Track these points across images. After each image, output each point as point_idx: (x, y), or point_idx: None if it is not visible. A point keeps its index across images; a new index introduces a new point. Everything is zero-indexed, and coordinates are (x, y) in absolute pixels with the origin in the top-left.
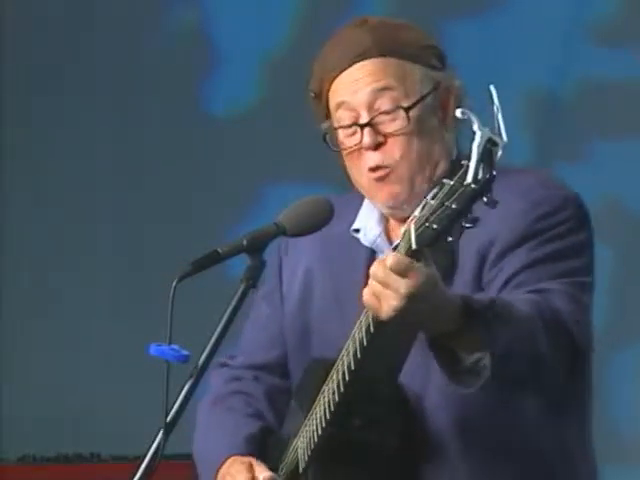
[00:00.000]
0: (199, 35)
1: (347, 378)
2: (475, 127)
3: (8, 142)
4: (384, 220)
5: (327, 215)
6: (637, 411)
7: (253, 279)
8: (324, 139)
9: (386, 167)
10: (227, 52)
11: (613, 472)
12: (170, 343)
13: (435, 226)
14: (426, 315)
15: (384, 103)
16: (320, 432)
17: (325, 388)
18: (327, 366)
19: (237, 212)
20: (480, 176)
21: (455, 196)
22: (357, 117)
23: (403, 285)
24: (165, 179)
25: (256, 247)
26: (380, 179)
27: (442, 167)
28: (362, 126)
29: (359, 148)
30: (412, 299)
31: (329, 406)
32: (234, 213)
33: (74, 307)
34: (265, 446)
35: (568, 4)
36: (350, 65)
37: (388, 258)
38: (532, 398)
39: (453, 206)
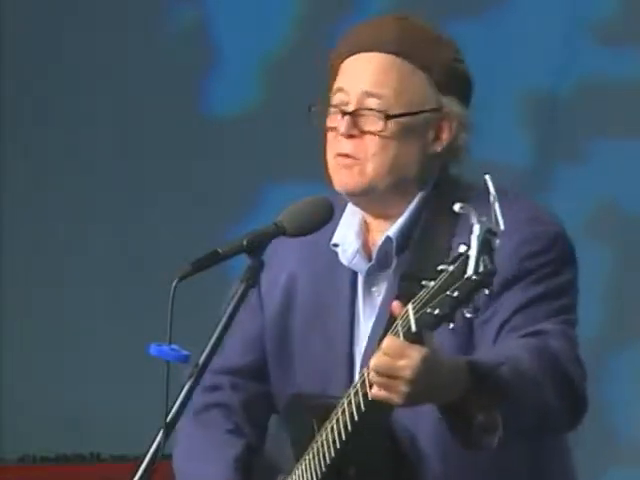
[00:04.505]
0: (199, 35)
1: (343, 438)
2: (473, 220)
3: (8, 141)
4: (364, 231)
5: (327, 215)
6: (635, 413)
7: (253, 279)
8: (309, 109)
9: (356, 159)
10: (227, 52)
11: (612, 474)
12: (170, 343)
13: (437, 312)
14: (435, 390)
15: (373, 103)
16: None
17: (319, 439)
18: (319, 406)
19: (237, 212)
20: (481, 269)
21: (456, 285)
22: (347, 103)
23: (407, 370)
24: (165, 179)
25: (256, 247)
26: (345, 166)
27: (411, 186)
28: (345, 113)
29: (334, 131)
30: (419, 380)
31: (325, 459)
32: (234, 213)
33: (74, 307)
34: (250, 467)
35: (568, 4)
36: (365, 50)
37: (383, 343)
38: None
39: (454, 294)
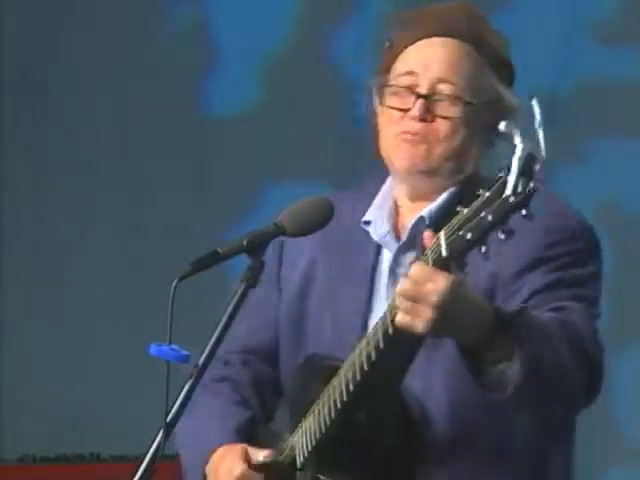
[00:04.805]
0: (199, 35)
1: (358, 378)
2: (517, 140)
3: (8, 141)
4: (394, 216)
5: (327, 215)
6: (635, 412)
7: (253, 279)
8: (371, 91)
9: (424, 138)
10: (227, 52)
11: (612, 474)
12: (170, 343)
13: (469, 236)
14: (459, 322)
15: (447, 89)
16: (324, 429)
17: (330, 387)
18: (326, 367)
19: (237, 212)
20: (520, 189)
21: (492, 207)
22: (417, 86)
23: (433, 295)
24: (165, 179)
25: (256, 247)
26: (411, 142)
27: (467, 171)
28: (419, 96)
29: (404, 113)
30: (444, 307)
31: (336, 404)
32: (234, 213)
33: (74, 307)
34: (255, 437)
35: (568, 4)
36: (437, 35)
37: (411, 269)
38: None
39: (489, 217)
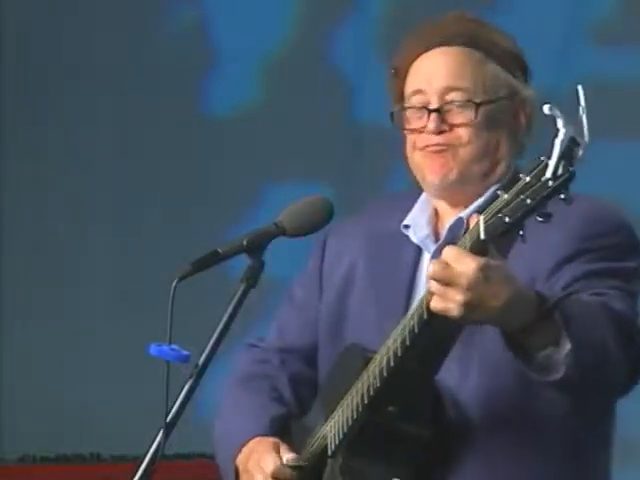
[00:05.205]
0: (199, 35)
1: (392, 364)
2: (559, 124)
3: (8, 141)
4: (434, 220)
5: (327, 215)
6: (635, 412)
7: (253, 279)
8: (391, 118)
9: (448, 146)
10: (227, 52)
11: (615, 474)
12: (170, 343)
13: (507, 219)
14: (494, 305)
15: (456, 96)
16: (355, 416)
17: (365, 374)
18: (364, 357)
19: (237, 212)
20: (560, 172)
21: (531, 191)
22: (428, 102)
23: (463, 277)
24: (165, 179)
25: (256, 247)
26: (435, 152)
27: (500, 171)
28: (430, 111)
29: (421, 131)
30: (475, 289)
31: (368, 391)
32: (234, 213)
33: (74, 307)
34: (288, 431)
35: (568, 4)
36: (434, 47)
37: (443, 252)
38: (567, 400)
39: (528, 201)
